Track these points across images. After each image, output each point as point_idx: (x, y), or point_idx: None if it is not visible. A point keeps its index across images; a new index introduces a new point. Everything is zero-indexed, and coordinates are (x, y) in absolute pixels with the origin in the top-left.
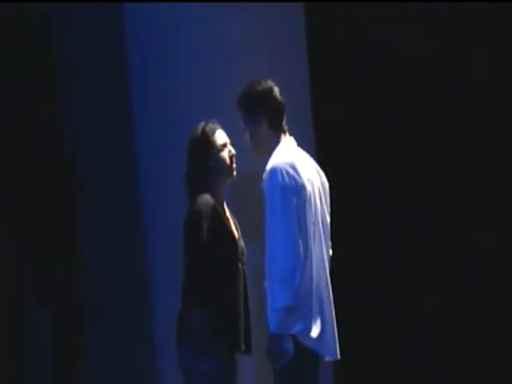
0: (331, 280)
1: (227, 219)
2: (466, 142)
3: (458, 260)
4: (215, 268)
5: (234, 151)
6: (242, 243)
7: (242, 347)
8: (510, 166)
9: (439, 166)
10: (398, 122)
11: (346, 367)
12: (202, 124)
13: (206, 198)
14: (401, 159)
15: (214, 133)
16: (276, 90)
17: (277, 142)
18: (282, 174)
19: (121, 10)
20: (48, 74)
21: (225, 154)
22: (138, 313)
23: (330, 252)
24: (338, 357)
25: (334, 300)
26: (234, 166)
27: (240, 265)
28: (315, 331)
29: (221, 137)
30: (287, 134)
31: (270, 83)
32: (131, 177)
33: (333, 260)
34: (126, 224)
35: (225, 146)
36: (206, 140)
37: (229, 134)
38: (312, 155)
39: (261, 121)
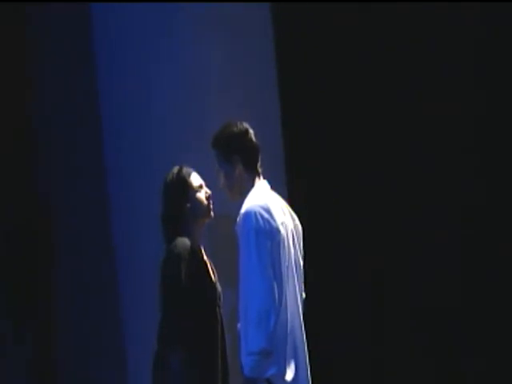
0: (305, 323)
1: (205, 263)
2: (441, 168)
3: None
4: (193, 311)
5: (209, 192)
6: (218, 286)
7: None
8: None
9: (413, 213)
10: (372, 165)
11: None
12: (177, 167)
13: (184, 241)
14: (375, 203)
15: (189, 175)
16: (251, 132)
17: (251, 183)
18: (256, 218)
19: (92, 57)
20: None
21: (202, 195)
22: (111, 357)
23: (304, 295)
24: None
25: (307, 343)
26: (211, 206)
27: (217, 308)
28: (289, 375)
29: (196, 179)
30: (261, 176)
31: (246, 125)
32: (103, 221)
33: (306, 303)
34: (100, 267)
35: (201, 187)
36: (183, 182)
37: (202, 175)
38: (285, 198)
39: (235, 162)
